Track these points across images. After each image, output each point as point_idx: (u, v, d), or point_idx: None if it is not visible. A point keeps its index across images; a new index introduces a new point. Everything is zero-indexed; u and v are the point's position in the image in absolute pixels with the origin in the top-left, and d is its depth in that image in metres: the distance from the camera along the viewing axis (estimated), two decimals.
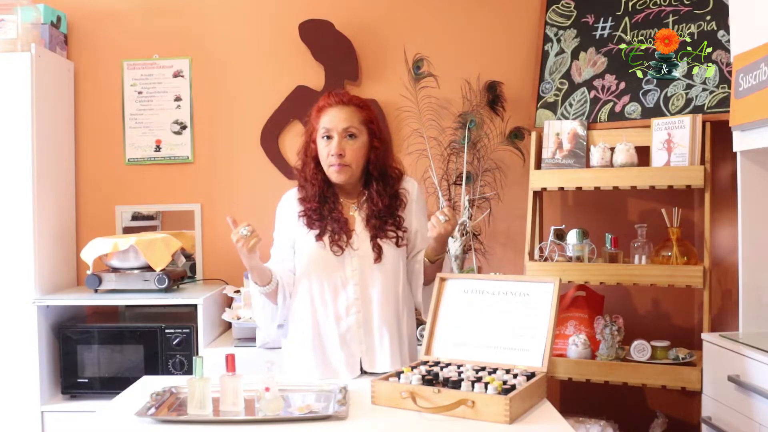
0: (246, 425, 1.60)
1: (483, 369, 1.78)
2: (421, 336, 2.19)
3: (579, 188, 2.72)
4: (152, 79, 3.24)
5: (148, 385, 1.88)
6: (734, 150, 2.34)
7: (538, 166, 2.84)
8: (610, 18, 2.88)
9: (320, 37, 3.15)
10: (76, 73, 3.25)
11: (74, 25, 3.25)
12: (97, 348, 2.81)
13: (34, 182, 2.81)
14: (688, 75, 2.70)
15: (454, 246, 2.85)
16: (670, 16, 2.78)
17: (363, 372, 2.02)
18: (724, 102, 2.58)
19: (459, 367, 1.81)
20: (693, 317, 3.06)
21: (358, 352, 2.03)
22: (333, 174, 2.03)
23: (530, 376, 1.71)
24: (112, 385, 2.71)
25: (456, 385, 1.64)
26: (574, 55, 2.92)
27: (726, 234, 2.83)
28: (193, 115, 3.24)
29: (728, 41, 2.54)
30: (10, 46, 2.84)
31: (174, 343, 2.78)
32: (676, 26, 2.75)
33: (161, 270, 2.83)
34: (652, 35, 2.76)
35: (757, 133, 2.20)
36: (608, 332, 2.59)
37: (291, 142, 3.19)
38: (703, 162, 2.56)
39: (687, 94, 2.69)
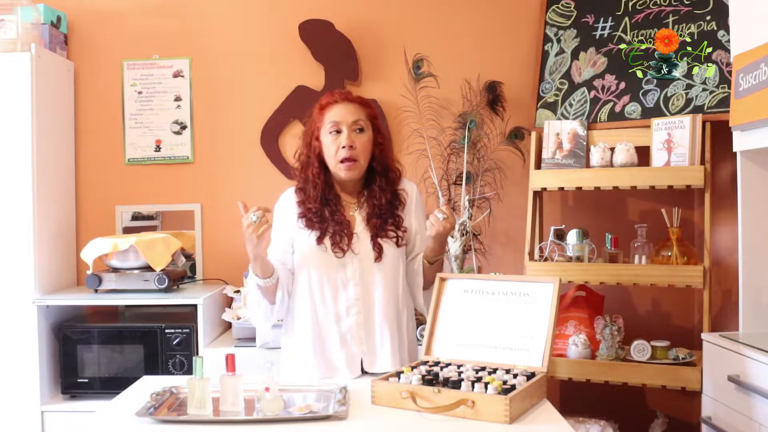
0: (246, 425, 1.60)
1: (483, 369, 1.78)
2: (421, 336, 2.19)
3: (579, 188, 2.72)
4: (152, 79, 3.24)
5: (148, 385, 1.88)
6: (734, 150, 2.34)
7: (538, 166, 2.84)
8: (610, 18, 2.88)
9: (320, 37, 3.15)
10: (76, 73, 3.25)
11: (74, 25, 3.25)
12: (97, 348, 2.81)
13: (34, 182, 2.81)
14: (688, 75, 2.70)
15: (454, 246, 2.85)
16: (670, 16, 2.78)
17: (364, 372, 2.02)
18: (724, 102, 2.58)
19: (459, 367, 1.80)
20: (693, 317, 3.06)
21: (359, 352, 2.02)
22: (342, 171, 2.01)
23: (530, 376, 1.71)
24: (112, 385, 2.71)
25: (456, 385, 1.64)
26: (574, 55, 2.92)
27: (726, 234, 2.83)
28: (193, 115, 3.24)
29: (728, 41, 2.54)
30: (10, 46, 2.84)
31: (174, 343, 2.78)
32: (676, 26, 2.75)
33: (161, 270, 2.83)
34: (652, 35, 2.76)
35: (757, 133, 2.20)
36: (608, 332, 2.59)
37: (291, 142, 3.19)
38: (703, 162, 2.56)
39: (687, 94, 2.69)
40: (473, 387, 1.62)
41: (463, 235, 2.87)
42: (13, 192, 2.80)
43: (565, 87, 2.90)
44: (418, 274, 2.11)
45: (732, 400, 2.13)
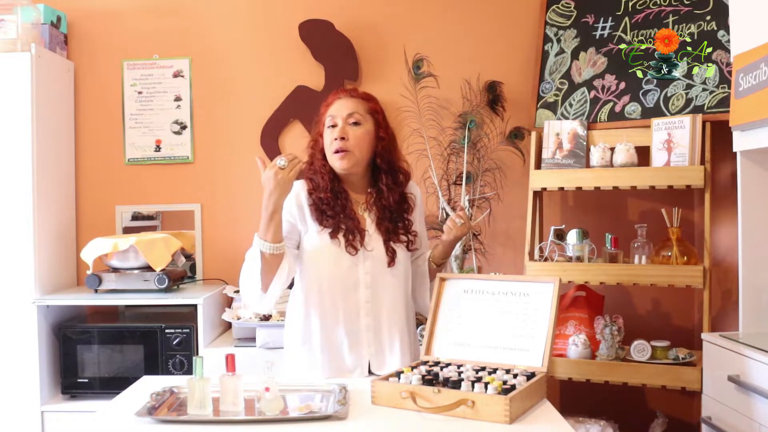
0: (246, 425, 1.60)
1: (483, 369, 1.78)
2: (421, 336, 2.19)
3: (579, 188, 2.72)
4: (152, 79, 3.24)
5: (148, 385, 1.88)
6: (734, 150, 2.34)
7: (538, 166, 2.84)
8: (610, 18, 2.88)
9: (320, 37, 3.15)
10: (76, 73, 3.25)
11: (74, 25, 3.25)
12: (97, 348, 2.82)
13: (34, 182, 2.81)
14: (688, 75, 2.70)
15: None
16: (670, 16, 2.78)
17: (371, 374, 2.01)
18: (724, 102, 2.58)
19: (459, 367, 1.80)
20: (693, 317, 3.06)
21: (367, 354, 2.01)
22: (336, 161, 1.99)
23: (530, 376, 1.71)
24: (112, 385, 2.71)
25: (456, 385, 1.64)
26: (574, 55, 2.92)
27: (726, 234, 2.83)
28: (193, 115, 3.24)
29: (728, 41, 2.54)
30: (10, 46, 2.84)
31: (174, 343, 2.78)
32: (676, 26, 2.75)
33: (161, 270, 2.83)
34: (652, 35, 2.76)
35: (757, 133, 2.20)
36: (608, 332, 2.59)
37: (291, 142, 3.19)
38: (703, 162, 2.56)
39: (687, 94, 2.69)
40: (473, 387, 1.62)
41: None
42: (13, 192, 2.80)
43: (565, 87, 2.90)
44: (425, 277, 2.11)
45: (732, 400, 2.13)
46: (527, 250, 2.79)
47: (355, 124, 2.00)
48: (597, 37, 2.89)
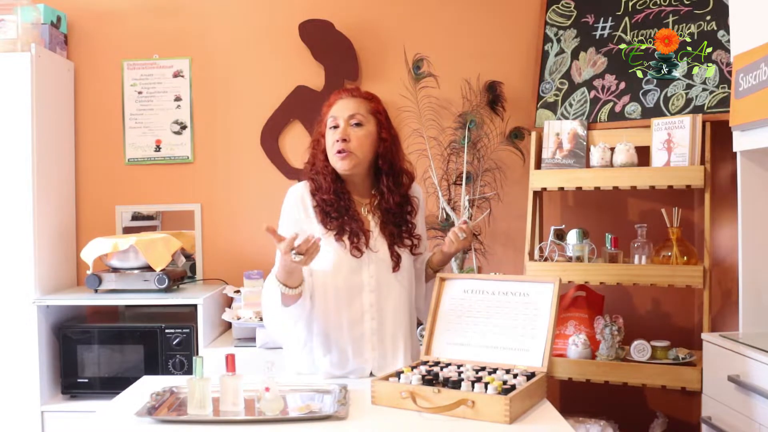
0: (246, 425, 1.60)
1: (483, 369, 1.78)
2: (421, 336, 2.18)
3: (579, 188, 2.72)
4: (152, 79, 3.24)
5: (148, 385, 1.88)
6: (734, 150, 2.34)
7: (538, 166, 2.84)
8: (610, 18, 2.88)
9: (320, 37, 3.15)
10: (76, 73, 3.25)
11: (74, 25, 3.25)
12: (97, 348, 2.82)
13: (34, 182, 2.81)
14: (688, 75, 2.70)
15: None
16: (670, 16, 2.78)
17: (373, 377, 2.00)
18: (724, 102, 2.58)
19: (459, 367, 1.80)
20: (693, 317, 3.06)
21: (370, 358, 1.99)
22: (337, 161, 1.97)
23: (530, 376, 1.71)
24: (112, 385, 2.71)
25: (456, 385, 1.64)
26: (574, 55, 2.92)
27: (726, 234, 2.83)
28: (193, 115, 3.24)
29: (728, 41, 2.54)
30: (10, 46, 2.84)
31: (174, 343, 2.78)
32: (676, 26, 2.75)
33: (161, 270, 2.83)
34: (652, 35, 2.76)
35: (757, 133, 2.20)
36: (608, 332, 2.59)
37: (291, 142, 3.19)
38: (703, 162, 2.56)
39: (687, 94, 2.69)
40: (473, 387, 1.62)
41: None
42: (13, 192, 2.80)
43: (565, 87, 2.90)
44: (421, 279, 2.11)
45: (732, 400, 2.13)
46: (527, 250, 2.79)
47: (357, 124, 1.99)
48: (597, 37, 2.89)
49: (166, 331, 2.79)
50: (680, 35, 2.72)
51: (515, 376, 1.71)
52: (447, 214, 2.94)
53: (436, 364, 1.85)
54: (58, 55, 3.08)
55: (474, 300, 1.93)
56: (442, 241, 2.12)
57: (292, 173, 3.15)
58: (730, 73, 2.54)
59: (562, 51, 2.95)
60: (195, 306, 2.78)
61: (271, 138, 3.20)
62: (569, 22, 2.96)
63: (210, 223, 3.23)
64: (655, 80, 2.75)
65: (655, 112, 2.72)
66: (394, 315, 2.00)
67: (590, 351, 2.62)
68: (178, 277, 2.96)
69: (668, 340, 2.60)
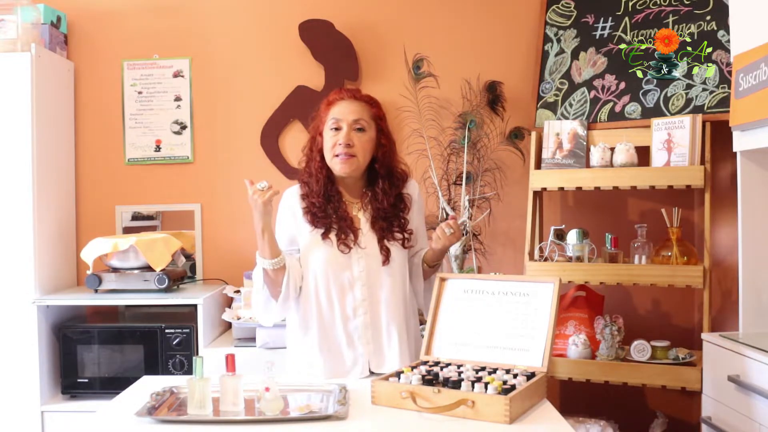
0: (246, 425, 1.60)
1: (483, 369, 1.78)
2: (422, 336, 2.19)
3: (579, 188, 2.72)
4: (152, 79, 3.24)
5: (148, 385, 1.88)
6: (734, 150, 2.34)
7: (538, 166, 2.84)
8: (610, 18, 2.88)
9: (320, 37, 3.15)
10: (76, 73, 3.25)
11: (74, 25, 3.25)
12: (97, 348, 2.81)
13: (34, 182, 2.81)
14: (688, 75, 2.70)
15: (454, 246, 2.85)
16: (670, 16, 2.78)
17: (371, 373, 2.01)
18: (724, 102, 2.58)
19: (459, 367, 1.81)
20: (693, 317, 3.06)
21: (365, 352, 2.02)
22: (338, 164, 2.00)
23: (530, 376, 1.71)
24: (112, 385, 2.71)
25: (456, 385, 1.64)
26: (574, 55, 2.92)
27: (726, 234, 2.83)
28: (193, 115, 3.24)
29: (728, 41, 2.54)
30: (10, 46, 2.84)
31: (174, 343, 2.78)
32: (676, 26, 2.75)
33: (161, 270, 2.83)
34: (652, 35, 2.76)
35: (757, 133, 2.20)
36: (608, 332, 2.59)
37: (291, 142, 3.19)
38: (703, 162, 2.56)
39: (687, 94, 2.69)
40: (473, 387, 1.62)
41: (463, 235, 2.87)
42: (13, 192, 2.80)
43: (565, 87, 2.90)
44: (419, 275, 2.11)
45: (732, 400, 2.13)
46: (527, 250, 2.79)
47: (360, 129, 2.01)
48: (597, 37, 2.89)
49: (166, 331, 2.79)
50: (680, 35, 2.72)
51: (515, 376, 1.71)
52: (447, 214, 2.94)
53: (436, 364, 1.85)
54: (58, 55, 3.08)
55: (474, 300, 1.93)
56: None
57: (292, 173, 3.14)
58: (730, 73, 2.54)
59: (562, 51, 2.95)
60: (195, 306, 2.78)
61: (271, 138, 3.20)
62: (569, 22, 2.96)
63: (210, 223, 3.23)
64: (655, 80, 2.75)
65: (655, 112, 2.72)
66: (386, 308, 2.02)
67: (590, 351, 2.62)
68: (178, 277, 2.96)
69: (668, 340, 2.60)
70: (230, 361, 1.67)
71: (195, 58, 3.24)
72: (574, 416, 2.69)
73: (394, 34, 3.17)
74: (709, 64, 2.66)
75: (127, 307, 3.12)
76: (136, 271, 2.89)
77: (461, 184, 2.96)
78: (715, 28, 2.68)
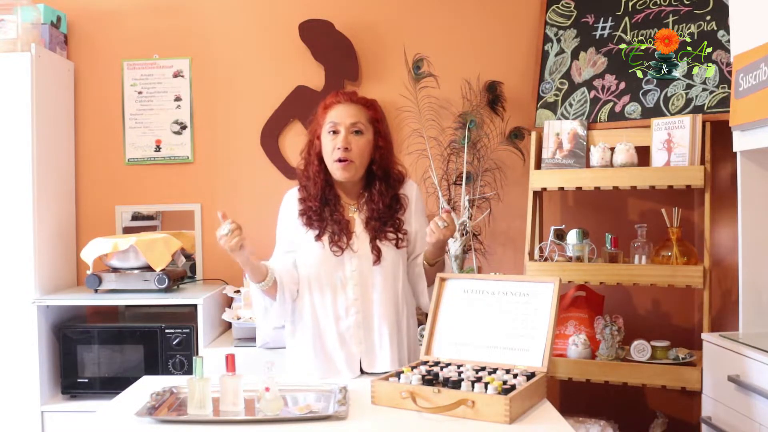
0: (246, 425, 1.60)
1: (483, 369, 1.78)
2: (421, 336, 2.19)
3: (579, 188, 2.72)
4: (152, 79, 3.24)
5: (148, 385, 1.88)
6: (734, 150, 2.34)
7: (538, 166, 2.84)
8: (610, 18, 2.88)
9: (320, 37, 3.15)
10: (76, 73, 3.25)
11: (74, 25, 3.25)
12: (97, 348, 2.81)
13: (34, 182, 2.81)
14: (688, 75, 2.70)
15: (454, 246, 2.85)
16: (670, 16, 2.78)
17: (363, 372, 2.02)
18: (724, 102, 2.58)
19: (459, 367, 1.81)
20: (693, 317, 3.06)
21: (357, 352, 2.03)
22: (337, 171, 2.02)
23: (530, 376, 1.71)
24: (112, 385, 2.71)
25: (456, 385, 1.64)
26: (574, 55, 2.92)
27: (726, 234, 2.83)
28: (193, 115, 3.24)
29: (728, 41, 2.54)
30: (10, 46, 2.84)
31: (174, 343, 2.78)
32: (676, 26, 2.75)
33: (161, 270, 2.83)
34: (652, 35, 2.76)
35: (757, 133, 2.20)
36: (608, 332, 2.60)
37: (291, 142, 3.19)
38: (703, 162, 2.56)
39: (687, 94, 2.69)
40: (473, 387, 1.62)
41: (463, 235, 2.87)
42: (13, 192, 2.80)
43: (565, 87, 2.90)
44: (421, 277, 2.12)
45: (732, 400, 2.13)
46: (527, 250, 2.79)
47: (358, 132, 2.03)
48: (597, 37, 2.89)
49: (166, 331, 2.79)
50: (680, 35, 2.72)
51: (515, 376, 1.71)
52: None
53: (436, 364, 1.85)
54: (58, 55, 3.08)
55: (474, 300, 1.93)
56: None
57: (292, 173, 3.14)
58: (730, 73, 2.54)
59: (562, 51, 2.95)
60: (195, 306, 2.78)
61: (271, 138, 3.20)
62: (569, 22, 2.96)
63: (210, 223, 3.23)
64: (655, 80, 2.75)
65: (655, 112, 2.72)
66: (379, 309, 2.04)
67: (590, 351, 2.62)
68: (178, 277, 2.96)
69: (668, 340, 2.60)
70: (230, 361, 1.67)
71: (195, 58, 3.24)
72: (574, 416, 2.69)
73: (394, 34, 3.17)
74: (709, 64, 2.66)
75: (127, 307, 3.12)
76: (136, 271, 2.89)
77: (461, 184, 2.96)
78: (715, 28, 2.68)
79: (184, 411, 1.68)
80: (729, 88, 2.56)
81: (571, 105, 2.87)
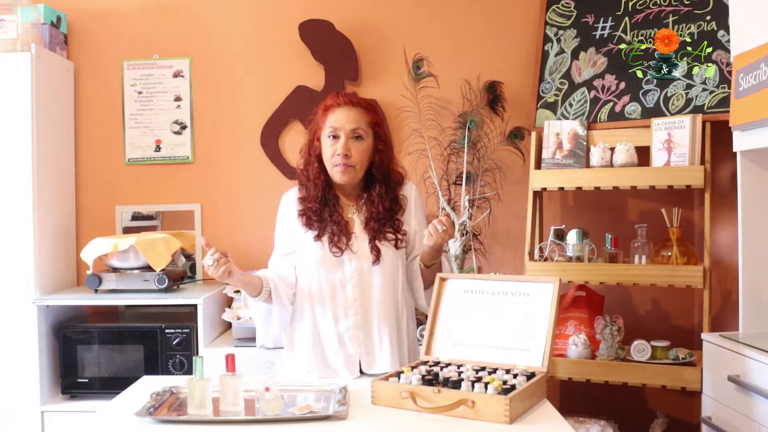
0: (246, 425, 1.60)
1: (483, 369, 1.78)
2: (421, 336, 2.19)
3: (579, 188, 2.72)
4: (152, 79, 3.24)
5: (148, 385, 1.88)
6: (734, 150, 2.34)
7: (538, 166, 2.84)
8: (610, 18, 2.88)
9: (320, 37, 3.15)
10: (76, 73, 3.25)
11: (74, 25, 3.25)
12: (97, 348, 2.81)
13: (34, 182, 2.81)
14: (688, 75, 2.70)
15: (454, 246, 2.85)
16: (670, 16, 2.78)
17: (362, 373, 2.02)
18: (724, 102, 2.58)
19: (459, 367, 1.80)
20: (693, 317, 3.06)
21: (356, 353, 2.03)
22: (337, 174, 2.03)
23: (530, 376, 1.71)
24: (112, 385, 2.71)
25: (456, 385, 1.64)
26: (574, 55, 2.92)
27: (726, 234, 2.83)
28: (193, 115, 3.24)
29: (728, 41, 2.54)
30: (10, 46, 2.84)
31: (174, 343, 2.78)
32: (676, 26, 2.75)
33: (161, 270, 2.83)
34: (652, 35, 2.76)
35: (757, 133, 2.20)
36: (608, 332, 2.60)
37: (291, 142, 3.19)
38: (703, 162, 2.56)
39: (687, 94, 2.69)
40: (473, 387, 1.62)
41: (463, 235, 2.87)
42: (13, 192, 2.80)
43: (565, 87, 2.90)
44: (417, 277, 2.11)
45: (732, 400, 2.13)
46: (527, 250, 2.79)
47: (358, 137, 2.02)
48: (597, 37, 2.89)
49: (166, 331, 2.79)
50: (680, 35, 2.72)
51: (515, 376, 1.71)
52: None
53: (436, 364, 1.85)
54: (58, 55, 3.08)
55: (474, 300, 1.93)
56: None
57: (292, 173, 3.14)
58: (730, 73, 2.54)
59: (562, 51, 2.95)
60: (195, 306, 2.78)
61: (271, 138, 3.20)
62: (569, 22, 2.96)
63: (210, 223, 3.23)
64: (655, 80, 2.75)
65: (655, 112, 2.72)
66: (378, 309, 2.03)
67: (590, 351, 2.62)
68: (178, 277, 2.96)
69: (668, 340, 2.60)
70: (230, 361, 1.67)
71: (195, 58, 3.24)
72: (574, 416, 2.69)
73: (394, 34, 3.17)
74: (709, 64, 2.66)
75: (127, 307, 3.12)
76: (136, 271, 2.89)
77: (461, 184, 2.96)
78: (715, 28, 2.68)
79: (184, 411, 1.68)
80: (729, 88, 2.56)
81: (571, 105, 2.87)
